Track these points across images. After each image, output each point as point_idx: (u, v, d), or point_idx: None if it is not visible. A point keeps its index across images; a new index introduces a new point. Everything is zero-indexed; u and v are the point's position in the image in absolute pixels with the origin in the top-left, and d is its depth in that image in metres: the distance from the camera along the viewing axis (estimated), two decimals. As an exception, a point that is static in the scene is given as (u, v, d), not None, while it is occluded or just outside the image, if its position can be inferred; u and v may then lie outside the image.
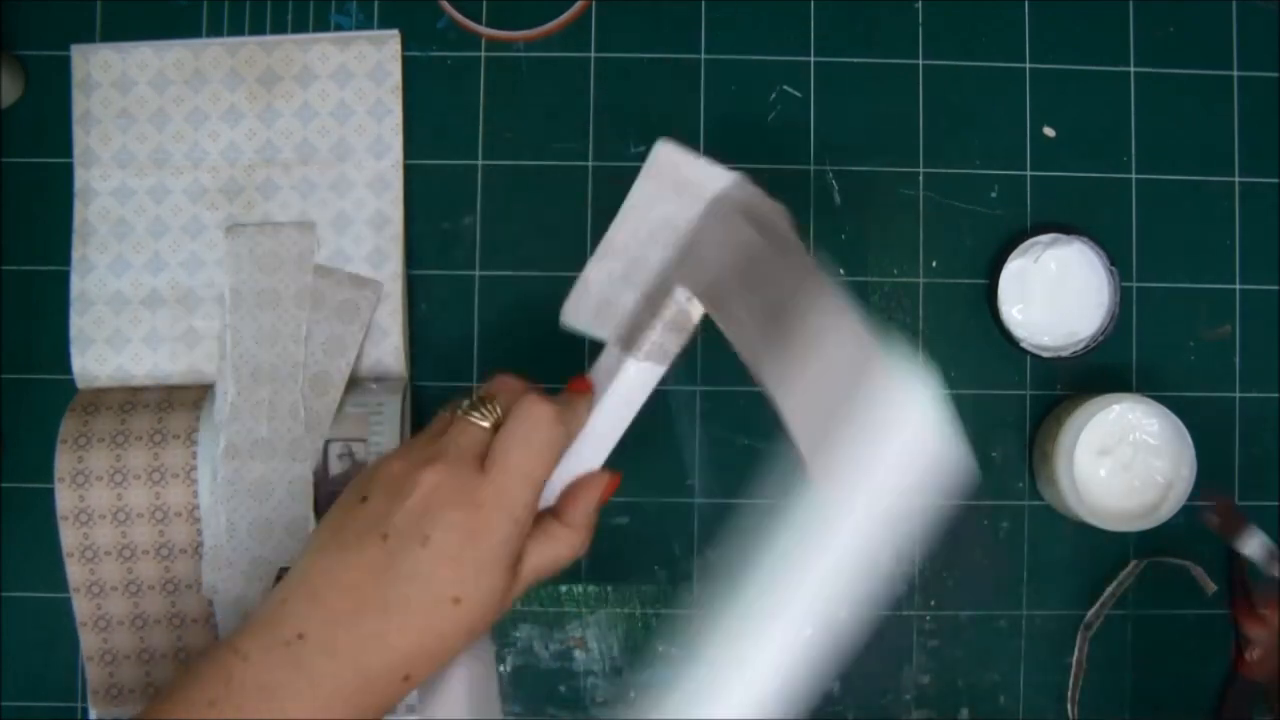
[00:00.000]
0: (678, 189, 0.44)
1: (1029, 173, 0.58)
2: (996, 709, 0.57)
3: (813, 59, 0.58)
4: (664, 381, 0.57)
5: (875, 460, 0.39)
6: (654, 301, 0.43)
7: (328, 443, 0.54)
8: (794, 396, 0.40)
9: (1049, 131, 0.58)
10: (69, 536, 0.53)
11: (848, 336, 0.40)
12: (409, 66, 0.58)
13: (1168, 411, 0.53)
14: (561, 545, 0.43)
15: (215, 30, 0.57)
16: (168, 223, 0.57)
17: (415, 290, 0.57)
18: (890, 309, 0.58)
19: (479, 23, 0.58)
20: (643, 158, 0.57)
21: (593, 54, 0.58)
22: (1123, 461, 0.54)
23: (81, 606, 0.54)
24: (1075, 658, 0.57)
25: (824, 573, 0.40)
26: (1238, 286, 0.58)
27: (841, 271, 0.58)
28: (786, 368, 0.40)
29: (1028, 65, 0.58)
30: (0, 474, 0.57)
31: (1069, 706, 0.57)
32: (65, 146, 0.57)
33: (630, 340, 0.43)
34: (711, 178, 0.43)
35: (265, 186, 0.57)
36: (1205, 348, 0.58)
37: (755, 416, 0.57)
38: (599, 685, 0.57)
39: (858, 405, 0.39)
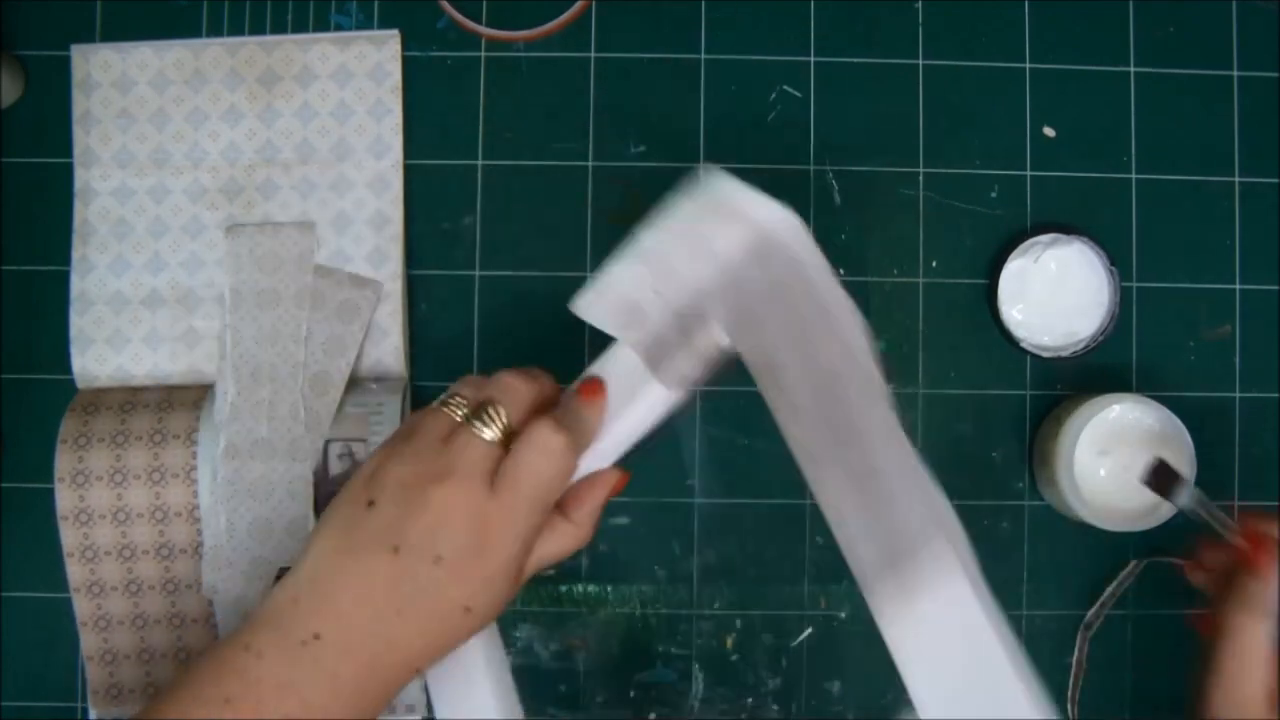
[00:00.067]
0: (721, 212, 0.42)
1: (1029, 173, 0.58)
2: (996, 709, 0.57)
3: (813, 59, 0.58)
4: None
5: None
6: (686, 325, 0.42)
7: (328, 443, 0.54)
8: (849, 525, 0.39)
9: (1049, 131, 0.58)
10: (69, 536, 0.53)
11: (910, 476, 0.38)
12: (409, 66, 0.58)
13: (1168, 411, 0.53)
14: (567, 540, 0.43)
15: (215, 30, 0.58)
16: (168, 223, 0.57)
17: (415, 290, 0.58)
18: (890, 309, 0.58)
19: (479, 23, 0.58)
20: (643, 157, 0.58)
21: (593, 54, 0.58)
22: (1123, 461, 0.54)
23: (81, 606, 0.54)
24: (1075, 658, 0.57)
25: None
26: (1238, 286, 0.58)
27: (842, 271, 0.58)
28: (840, 483, 0.39)
29: (1028, 65, 0.58)
30: (0, 474, 0.57)
31: (1069, 706, 0.56)
32: (65, 146, 0.57)
33: (658, 362, 0.42)
34: (760, 205, 0.41)
35: (265, 186, 0.57)
36: (1205, 348, 0.58)
37: (755, 416, 0.57)
38: (599, 685, 0.57)
39: (919, 553, 0.38)
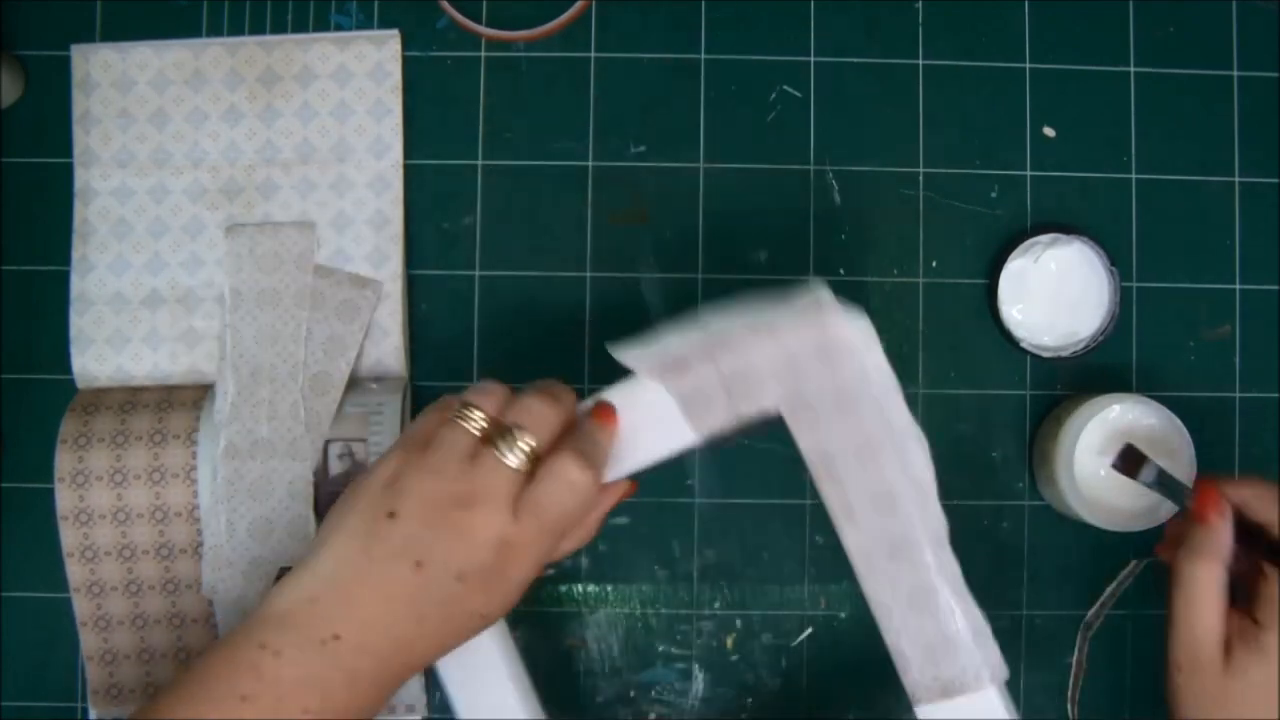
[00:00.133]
0: (794, 308, 0.43)
1: (1029, 173, 0.58)
2: (996, 709, 0.57)
3: (813, 59, 0.58)
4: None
5: None
6: (731, 389, 0.43)
7: (328, 443, 0.54)
8: (896, 623, 0.43)
9: (1049, 131, 0.58)
10: (69, 536, 0.53)
11: (958, 593, 0.43)
12: (409, 66, 0.58)
13: (1168, 411, 0.53)
14: (572, 543, 0.45)
15: (215, 30, 0.58)
16: (168, 223, 0.57)
17: (415, 290, 0.58)
18: (890, 309, 0.58)
19: (479, 23, 0.58)
20: (643, 157, 0.58)
21: (593, 54, 0.58)
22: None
23: (81, 606, 0.54)
24: (1075, 658, 0.57)
25: None
26: (1238, 286, 0.58)
27: (842, 271, 0.58)
28: (892, 587, 0.43)
29: (1028, 65, 0.58)
30: (0, 474, 0.57)
31: (1069, 706, 0.56)
32: (65, 146, 0.57)
33: (694, 412, 0.44)
34: (836, 311, 0.43)
35: (265, 186, 0.57)
36: (1205, 348, 0.58)
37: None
38: (599, 685, 0.57)
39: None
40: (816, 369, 0.42)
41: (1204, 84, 0.59)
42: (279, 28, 0.58)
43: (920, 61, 0.58)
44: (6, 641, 0.56)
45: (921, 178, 0.58)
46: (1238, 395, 0.58)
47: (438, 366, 0.57)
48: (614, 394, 0.45)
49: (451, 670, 0.48)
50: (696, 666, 0.57)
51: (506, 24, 0.58)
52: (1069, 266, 0.56)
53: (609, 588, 0.57)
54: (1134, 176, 0.58)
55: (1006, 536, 0.57)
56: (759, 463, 0.57)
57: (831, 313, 0.43)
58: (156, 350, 0.56)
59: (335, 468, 0.53)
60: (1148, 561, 0.56)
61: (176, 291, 0.56)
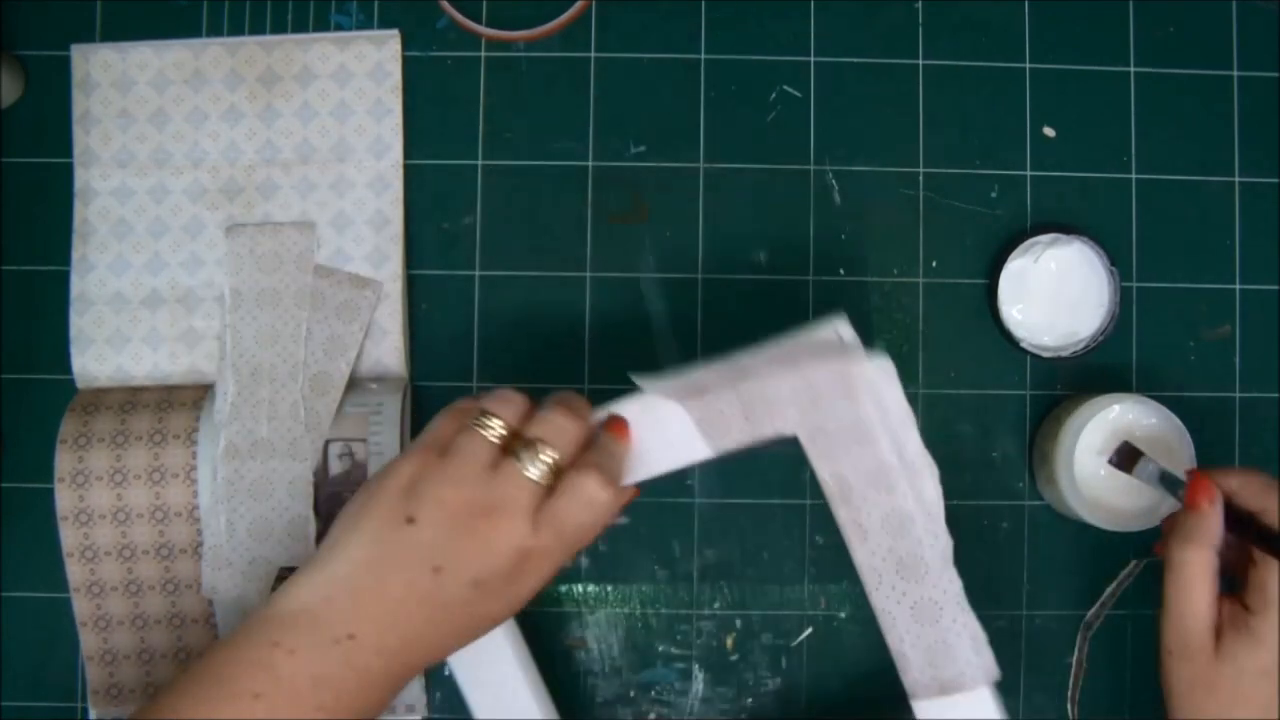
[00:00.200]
0: (818, 343, 0.45)
1: (1029, 173, 0.58)
2: (996, 709, 0.57)
3: (813, 59, 0.58)
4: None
5: None
6: (750, 413, 0.45)
7: (328, 443, 0.54)
8: (900, 631, 0.46)
9: (1049, 131, 0.58)
10: (69, 536, 0.53)
11: (959, 606, 0.46)
12: (409, 66, 0.58)
13: (1168, 411, 0.53)
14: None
15: (215, 30, 0.58)
16: (168, 223, 0.57)
17: (415, 290, 0.58)
18: (890, 309, 0.58)
19: (479, 23, 0.58)
20: (643, 157, 0.58)
21: (593, 54, 0.58)
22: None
23: (81, 606, 0.54)
24: (1075, 658, 0.57)
25: None
26: (1238, 286, 0.58)
27: (842, 271, 0.58)
28: (899, 600, 0.46)
29: (1028, 65, 0.58)
30: (0, 474, 0.57)
31: (1069, 706, 0.56)
32: (65, 146, 0.57)
33: (711, 430, 0.45)
34: (858, 349, 0.45)
35: (265, 186, 0.57)
36: (1205, 348, 0.58)
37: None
38: (599, 685, 0.57)
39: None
40: (837, 401, 0.44)
41: (1204, 84, 0.59)
42: (279, 28, 0.58)
43: (920, 61, 0.58)
44: (6, 641, 0.56)
45: (921, 178, 0.58)
46: (1238, 395, 0.58)
47: (438, 366, 0.57)
48: (631, 405, 0.46)
49: (466, 669, 0.49)
50: (696, 666, 0.57)
51: (506, 24, 0.58)
52: (1069, 266, 0.56)
53: (609, 588, 0.57)
54: (1134, 176, 0.58)
55: (1006, 536, 0.57)
56: (759, 463, 0.57)
57: (855, 350, 0.45)
58: (156, 350, 0.56)
59: (335, 468, 0.53)
60: (1148, 561, 0.56)
61: (176, 291, 0.56)
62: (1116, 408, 0.53)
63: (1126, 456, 0.52)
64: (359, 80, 0.57)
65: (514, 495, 0.41)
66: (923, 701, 0.46)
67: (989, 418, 0.58)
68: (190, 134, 0.57)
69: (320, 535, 0.53)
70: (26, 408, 0.57)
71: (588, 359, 0.57)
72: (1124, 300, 0.57)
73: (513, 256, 0.58)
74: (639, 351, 0.57)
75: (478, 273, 0.58)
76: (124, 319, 0.56)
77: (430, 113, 0.58)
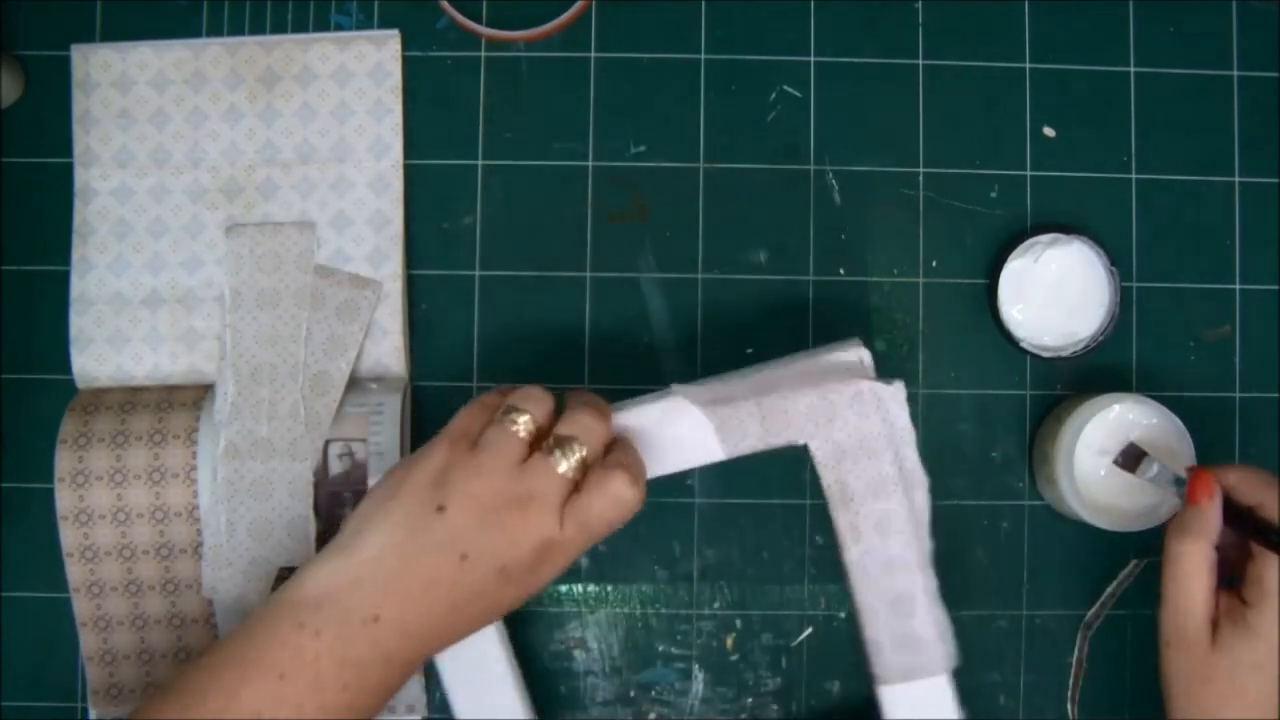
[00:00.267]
0: (839, 362, 0.49)
1: (1029, 173, 0.58)
2: (996, 709, 0.57)
3: (813, 59, 0.58)
4: (662, 381, 0.57)
5: None
6: (767, 421, 0.48)
7: (328, 443, 0.54)
8: (879, 622, 0.49)
9: (1049, 131, 0.58)
10: (69, 536, 0.53)
11: (931, 600, 0.50)
12: (409, 66, 0.58)
13: (1168, 411, 0.53)
14: None
15: (215, 30, 0.58)
16: (168, 223, 0.57)
17: (415, 290, 0.58)
18: (890, 309, 0.58)
19: (479, 23, 0.58)
20: (643, 157, 0.58)
21: (593, 54, 0.58)
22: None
23: (81, 606, 0.54)
24: (1075, 658, 0.57)
25: None
26: (1238, 286, 0.58)
27: (842, 271, 0.58)
28: (879, 593, 0.49)
29: (1028, 65, 0.58)
30: (0, 474, 0.57)
31: (1069, 706, 0.57)
32: (65, 146, 0.57)
33: (728, 434, 0.48)
34: (872, 373, 0.49)
35: (265, 186, 0.57)
36: (1205, 348, 0.58)
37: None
38: (599, 685, 0.57)
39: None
40: (849, 417, 0.48)
41: (1204, 84, 0.59)
42: (279, 28, 0.58)
43: (920, 61, 0.58)
44: (6, 641, 0.56)
45: (921, 178, 0.58)
46: (1238, 395, 0.58)
47: (438, 366, 0.57)
48: (652, 407, 0.48)
49: (453, 669, 0.50)
50: (696, 666, 0.57)
51: (506, 24, 0.58)
52: (1069, 266, 0.56)
53: (609, 588, 0.57)
54: (1134, 176, 0.58)
55: (1006, 536, 0.57)
56: (759, 463, 0.57)
57: (871, 373, 0.49)
58: (156, 350, 0.56)
59: (335, 468, 0.53)
60: (1148, 561, 0.56)
61: (176, 291, 0.56)
62: (1116, 408, 0.53)
63: (1131, 458, 0.53)
64: (359, 80, 0.57)
65: (544, 489, 0.43)
66: (889, 686, 0.50)
67: (989, 418, 0.58)
68: (190, 134, 0.57)
69: (321, 535, 0.53)
70: (26, 408, 0.57)
71: (588, 359, 0.57)
72: (1124, 300, 0.57)
73: (513, 256, 0.58)
74: (639, 351, 0.57)
75: (478, 273, 0.58)
76: (124, 319, 0.56)
77: (430, 113, 0.58)
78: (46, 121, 0.57)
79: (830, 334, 0.57)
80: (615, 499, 0.44)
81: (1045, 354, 0.56)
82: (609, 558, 0.57)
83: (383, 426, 0.53)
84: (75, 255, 0.57)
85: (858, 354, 0.49)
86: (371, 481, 0.53)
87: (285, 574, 0.53)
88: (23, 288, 0.57)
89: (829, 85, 0.58)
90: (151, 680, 0.54)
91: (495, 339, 0.57)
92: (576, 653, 0.57)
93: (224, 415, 0.54)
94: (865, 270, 0.58)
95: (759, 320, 0.57)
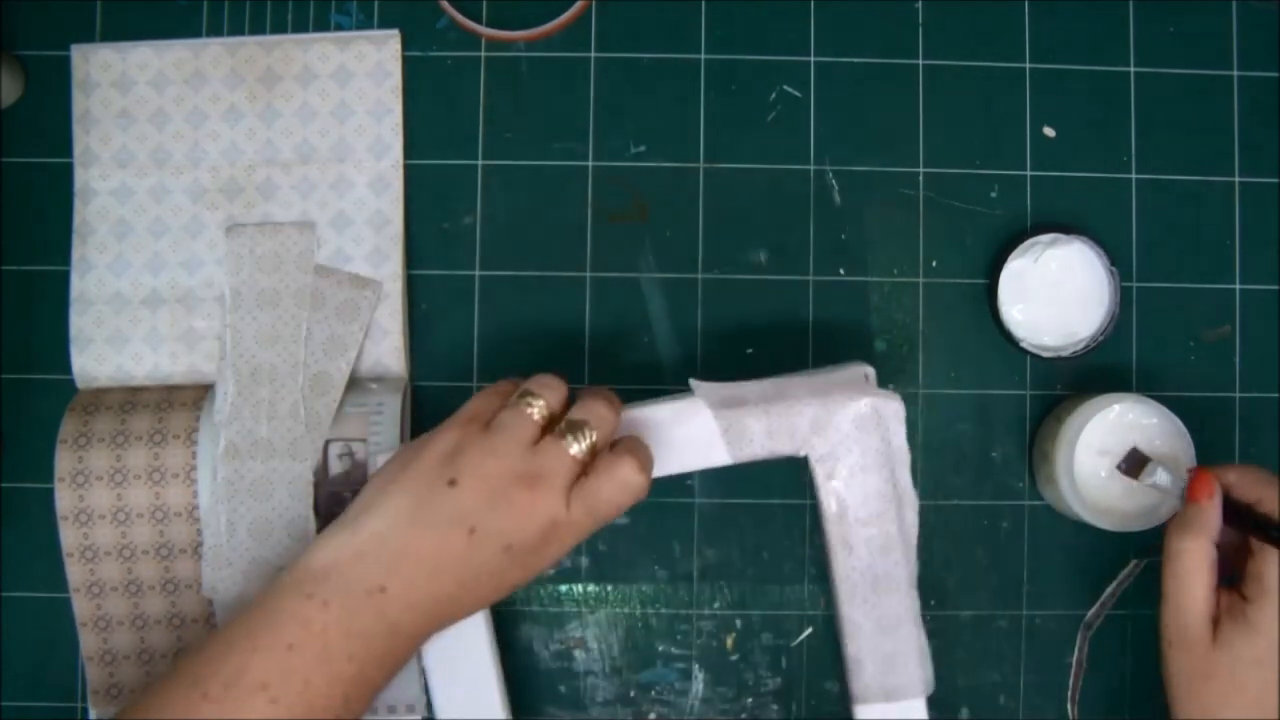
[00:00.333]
0: (850, 378, 0.51)
1: (1029, 173, 0.58)
2: (996, 709, 0.57)
3: (813, 59, 0.58)
4: (662, 381, 0.57)
5: None
6: (773, 430, 0.49)
7: (328, 443, 0.54)
8: (862, 640, 0.51)
9: (1049, 131, 0.58)
10: (69, 536, 0.53)
11: (913, 622, 0.51)
12: (409, 66, 0.58)
13: (1168, 411, 0.53)
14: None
15: (215, 30, 0.58)
16: (168, 223, 0.57)
17: (415, 290, 0.58)
18: (890, 309, 0.58)
19: (479, 23, 0.58)
20: (643, 157, 0.58)
21: (593, 54, 0.58)
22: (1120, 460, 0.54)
23: (81, 606, 0.54)
24: (1075, 658, 0.57)
25: None
26: (1238, 286, 0.58)
27: (842, 271, 0.58)
28: (866, 612, 0.50)
29: (1028, 65, 0.58)
30: (0, 474, 0.57)
31: (1069, 706, 0.57)
32: (65, 146, 0.57)
33: (733, 443, 0.49)
34: (878, 389, 0.51)
35: (265, 186, 0.57)
36: (1205, 348, 0.58)
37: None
38: (599, 685, 0.57)
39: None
40: (850, 432, 0.50)
41: (1204, 84, 0.59)
42: (279, 28, 0.58)
43: (920, 61, 0.58)
44: (6, 641, 0.56)
45: (921, 178, 0.58)
46: (1238, 395, 0.58)
47: (438, 366, 0.57)
48: (663, 407, 0.49)
49: (437, 664, 0.51)
50: (696, 666, 0.57)
51: (506, 24, 0.58)
52: (1069, 266, 0.56)
53: (609, 588, 0.57)
54: (1134, 176, 0.58)
55: (1006, 536, 0.57)
56: (759, 463, 0.57)
57: (874, 391, 0.50)
58: (156, 350, 0.56)
59: (335, 468, 0.53)
60: (1148, 561, 0.56)
61: (176, 291, 0.56)
62: (1116, 408, 0.53)
63: (1135, 463, 0.53)
64: (359, 80, 0.57)
65: (554, 469, 0.44)
66: (867, 705, 0.51)
67: (989, 418, 0.58)
68: (190, 134, 0.57)
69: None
70: (26, 408, 0.57)
71: (588, 359, 0.57)
72: (1124, 300, 0.57)
73: (513, 256, 0.58)
74: (639, 351, 0.57)
75: (478, 273, 0.58)
76: (124, 319, 0.56)
77: (430, 113, 0.58)
78: (46, 121, 0.57)
79: (830, 334, 0.57)
80: (623, 483, 0.44)
81: (1045, 354, 0.56)
82: (609, 558, 0.57)
83: (383, 426, 0.53)
84: (75, 255, 0.57)
85: (865, 372, 0.51)
86: (371, 481, 0.53)
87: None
88: (23, 288, 0.57)
89: (829, 85, 0.58)
90: (151, 681, 0.54)
91: (495, 339, 0.57)
92: (576, 653, 0.57)
93: (224, 415, 0.54)
94: (865, 270, 0.58)
95: (759, 320, 0.57)
